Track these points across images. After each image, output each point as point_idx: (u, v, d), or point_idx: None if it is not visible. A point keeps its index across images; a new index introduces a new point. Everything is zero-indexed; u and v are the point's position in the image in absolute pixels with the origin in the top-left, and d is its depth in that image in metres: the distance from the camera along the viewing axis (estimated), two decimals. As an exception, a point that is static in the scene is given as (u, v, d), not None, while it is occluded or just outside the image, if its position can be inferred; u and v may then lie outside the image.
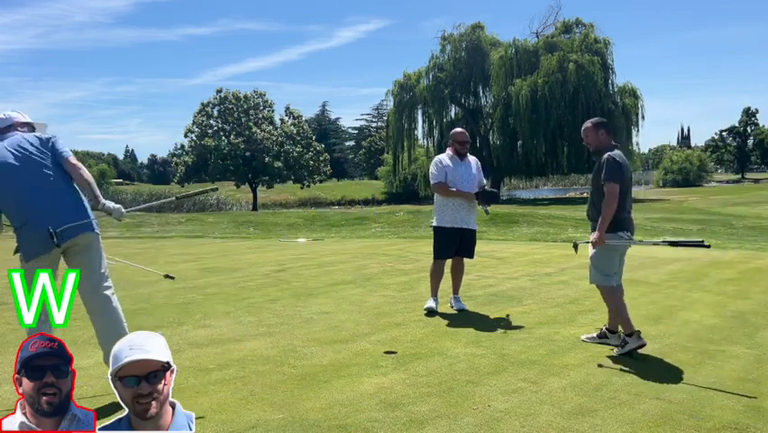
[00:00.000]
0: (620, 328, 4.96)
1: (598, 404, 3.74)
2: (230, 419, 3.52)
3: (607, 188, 4.77)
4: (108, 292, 4.09)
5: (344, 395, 3.91)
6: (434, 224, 6.38)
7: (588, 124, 5.09)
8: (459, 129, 6.65)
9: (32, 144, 3.98)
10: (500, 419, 3.53)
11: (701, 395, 3.86)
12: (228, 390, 4.01)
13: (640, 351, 4.79)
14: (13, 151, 3.93)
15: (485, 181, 6.69)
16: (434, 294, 6.36)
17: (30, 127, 4.22)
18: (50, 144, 4.03)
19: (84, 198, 4.14)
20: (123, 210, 4.17)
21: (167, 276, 6.45)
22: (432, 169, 6.41)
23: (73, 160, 4.03)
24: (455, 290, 6.53)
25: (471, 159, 6.53)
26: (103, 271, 4.12)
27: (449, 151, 6.47)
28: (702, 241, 4.91)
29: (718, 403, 3.73)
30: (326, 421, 3.50)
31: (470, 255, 6.46)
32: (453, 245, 6.32)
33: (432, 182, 6.42)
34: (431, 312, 6.15)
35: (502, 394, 3.91)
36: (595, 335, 5.17)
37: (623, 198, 4.83)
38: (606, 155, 4.87)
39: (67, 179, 4.04)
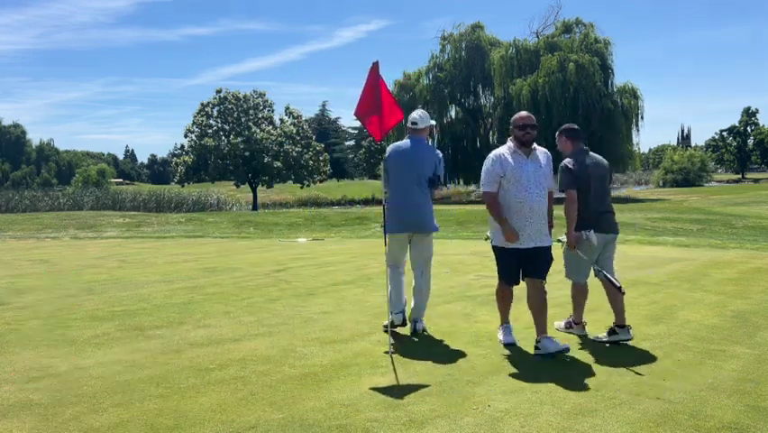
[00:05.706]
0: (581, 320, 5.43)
1: (598, 404, 3.74)
2: (230, 419, 3.52)
3: (566, 195, 5.07)
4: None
5: (344, 395, 3.91)
6: (493, 242, 5.04)
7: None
8: (522, 112, 5.01)
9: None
10: (500, 419, 3.53)
11: (701, 395, 3.86)
12: (228, 390, 4.01)
13: (640, 350, 4.83)
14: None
15: (553, 184, 5.08)
16: (504, 320, 5.24)
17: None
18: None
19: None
20: None
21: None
22: (484, 167, 4.88)
23: None
24: (538, 328, 4.85)
25: (540, 151, 4.93)
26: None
27: (510, 142, 4.93)
28: (620, 287, 5.01)
29: (718, 403, 3.73)
30: (326, 421, 3.50)
31: (541, 276, 4.92)
32: (518, 267, 4.97)
33: (482, 190, 4.97)
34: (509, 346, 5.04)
35: (502, 394, 3.91)
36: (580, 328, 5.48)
37: (587, 199, 5.05)
38: (561, 164, 5.11)
39: None
